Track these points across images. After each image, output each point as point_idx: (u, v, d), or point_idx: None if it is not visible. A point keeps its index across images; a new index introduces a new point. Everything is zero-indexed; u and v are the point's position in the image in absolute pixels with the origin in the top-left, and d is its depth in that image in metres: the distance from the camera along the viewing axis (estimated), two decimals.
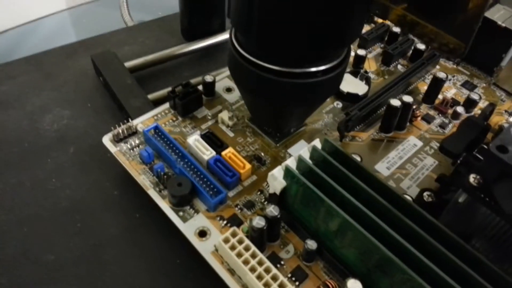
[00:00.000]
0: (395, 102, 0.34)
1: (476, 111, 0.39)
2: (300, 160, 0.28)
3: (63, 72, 0.43)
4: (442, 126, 0.37)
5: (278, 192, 0.29)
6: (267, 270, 0.26)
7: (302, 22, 0.25)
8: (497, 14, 0.41)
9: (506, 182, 0.24)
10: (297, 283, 0.27)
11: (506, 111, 0.40)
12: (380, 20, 0.47)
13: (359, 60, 0.41)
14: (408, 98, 0.35)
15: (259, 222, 0.27)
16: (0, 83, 0.41)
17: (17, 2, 0.65)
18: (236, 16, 0.27)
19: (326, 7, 0.24)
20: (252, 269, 0.26)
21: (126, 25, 0.53)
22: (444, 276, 0.23)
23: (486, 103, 0.40)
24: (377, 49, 0.45)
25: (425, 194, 0.31)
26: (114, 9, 0.58)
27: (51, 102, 0.40)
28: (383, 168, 0.34)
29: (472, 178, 0.26)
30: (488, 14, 0.41)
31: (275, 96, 0.30)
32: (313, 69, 0.28)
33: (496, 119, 0.39)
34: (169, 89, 0.36)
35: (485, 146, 0.31)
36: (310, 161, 0.28)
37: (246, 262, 0.26)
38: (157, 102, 0.39)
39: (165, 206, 0.30)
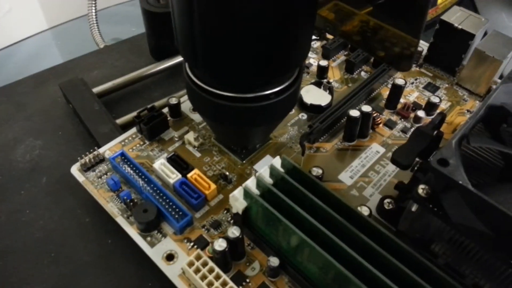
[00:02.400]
0: (354, 113, 0.35)
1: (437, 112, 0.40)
2: (259, 180, 0.29)
3: (34, 102, 0.44)
4: (404, 130, 0.38)
5: (240, 212, 0.30)
6: None
7: (247, 50, 0.25)
8: (453, 17, 0.41)
9: (451, 193, 0.25)
10: None
11: (468, 110, 0.41)
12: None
13: (322, 70, 0.42)
14: (366, 108, 0.36)
15: (221, 244, 0.28)
16: None
17: None
18: (183, 49, 0.28)
19: (269, 35, 0.25)
20: None
21: (98, 46, 0.53)
22: None
23: (448, 104, 0.41)
24: (341, 57, 0.46)
25: (385, 201, 0.32)
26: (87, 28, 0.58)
27: (23, 133, 0.41)
28: (346, 177, 0.35)
29: (421, 189, 0.27)
30: (445, 16, 0.42)
31: (232, 121, 0.30)
32: (266, 92, 0.29)
33: (458, 119, 0.40)
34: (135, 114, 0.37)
35: None
36: (269, 180, 0.29)
37: (210, 284, 0.27)
38: (126, 126, 0.40)
39: (133, 232, 0.31)
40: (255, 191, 0.29)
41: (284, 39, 0.25)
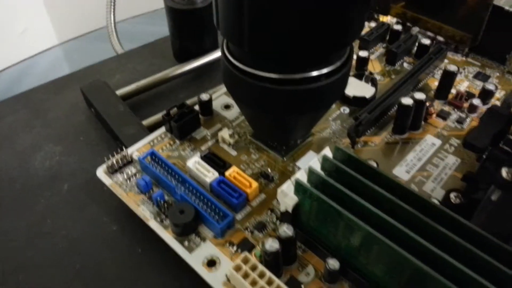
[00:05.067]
0: (407, 101, 0.32)
1: (494, 101, 0.36)
2: (311, 172, 0.25)
3: (53, 108, 0.41)
4: (460, 121, 0.35)
5: (290, 210, 0.26)
6: None
7: (297, 21, 0.22)
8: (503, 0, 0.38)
9: None
10: None
11: None
12: (381, 18, 0.45)
13: (362, 62, 0.39)
14: (420, 95, 0.32)
15: (272, 245, 0.24)
16: None
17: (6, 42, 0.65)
18: (225, 25, 0.25)
19: (323, 4, 0.22)
20: None
21: (117, 54, 0.51)
22: (484, 283, 0.20)
23: (503, 92, 0.37)
24: (379, 49, 0.43)
25: (452, 195, 0.28)
26: (105, 41, 0.56)
27: (42, 140, 0.38)
28: (402, 172, 0.31)
29: (504, 172, 0.23)
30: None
31: (276, 107, 0.27)
32: (315, 73, 0.26)
33: None
34: (164, 112, 0.34)
35: None
36: (322, 172, 0.26)
37: None
38: (153, 128, 0.37)
39: (168, 237, 0.27)
40: (307, 184, 0.25)
41: (340, 10, 0.22)
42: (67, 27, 0.76)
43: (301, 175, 0.26)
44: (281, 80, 0.26)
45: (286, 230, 0.24)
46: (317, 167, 0.26)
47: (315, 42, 0.23)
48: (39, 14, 0.73)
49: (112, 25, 0.54)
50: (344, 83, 0.28)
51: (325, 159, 0.26)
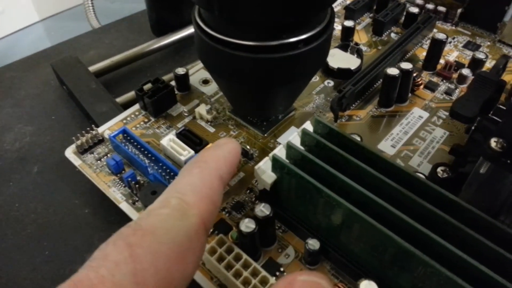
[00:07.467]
0: (393, 71, 0.30)
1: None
2: (290, 147, 0.24)
3: (24, 86, 0.39)
4: (448, 92, 0.33)
5: (268, 188, 0.24)
6: (263, 281, 0.22)
7: None
8: None
9: None
10: None
11: None
12: None
13: (348, 32, 0.37)
14: (406, 65, 0.31)
15: (248, 225, 0.22)
16: None
17: None
18: None
19: None
20: (246, 282, 0.22)
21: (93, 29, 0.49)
22: (474, 263, 0.18)
23: (494, 62, 0.36)
24: (366, 19, 0.41)
25: (439, 169, 0.27)
26: (83, 19, 0.54)
27: (11, 120, 0.36)
28: (387, 146, 0.30)
29: (493, 142, 0.21)
30: None
31: (252, 78, 0.25)
32: (293, 40, 0.24)
33: (508, 78, 0.34)
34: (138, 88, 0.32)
35: (502, 107, 0.26)
36: (301, 147, 0.24)
37: (237, 275, 0.22)
38: (127, 106, 0.35)
39: None
40: (284, 160, 0.24)
41: None
42: (47, 4, 0.73)
43: (280, 151, 0.24)
44: (256, 47, 0.24)
45: (262, 209, 0.23)
46: (297, 142, 0.25)
47: (292, 2, 0.22)
48: None
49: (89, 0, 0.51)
50: (324, 51, 0.27)
51: (305, 133, 0.25)
